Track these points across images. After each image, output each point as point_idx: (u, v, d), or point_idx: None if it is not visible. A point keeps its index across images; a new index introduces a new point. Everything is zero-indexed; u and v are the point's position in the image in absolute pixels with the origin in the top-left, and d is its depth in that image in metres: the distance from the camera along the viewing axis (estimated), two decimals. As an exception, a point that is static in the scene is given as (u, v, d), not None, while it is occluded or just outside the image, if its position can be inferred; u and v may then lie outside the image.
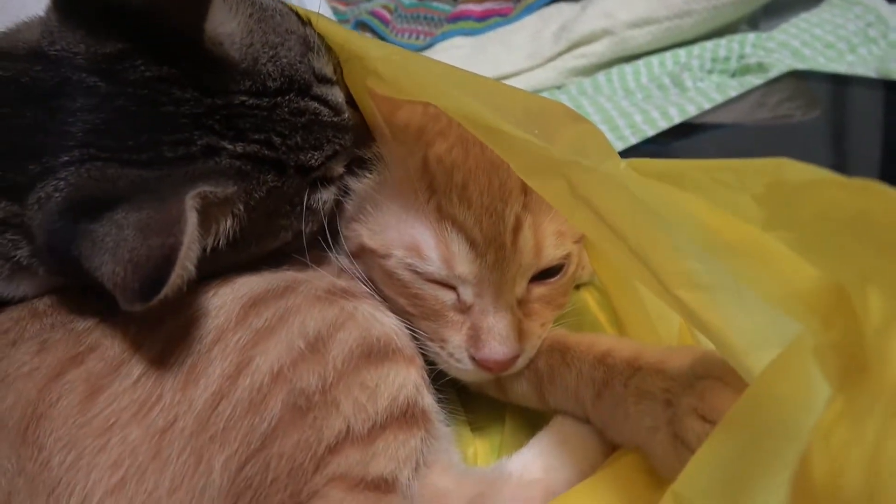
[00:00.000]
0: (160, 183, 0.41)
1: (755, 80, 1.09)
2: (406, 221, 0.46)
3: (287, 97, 0.45)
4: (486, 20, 1.36)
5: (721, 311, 0.30)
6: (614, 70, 1.24)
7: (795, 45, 1.14)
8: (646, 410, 0.37)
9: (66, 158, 0.41)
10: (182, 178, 0.41)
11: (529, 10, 1.35)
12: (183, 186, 0.39)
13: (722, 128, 1.07)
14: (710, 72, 1.18)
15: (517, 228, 0.45)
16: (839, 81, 1.08)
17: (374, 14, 1.37)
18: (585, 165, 0.33)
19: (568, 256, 0.48)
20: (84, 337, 0.39)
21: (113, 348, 0.38)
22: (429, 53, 1.34)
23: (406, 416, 0.39)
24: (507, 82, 1.27)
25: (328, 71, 0.49)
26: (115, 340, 0.38)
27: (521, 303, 0.47)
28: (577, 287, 0.61)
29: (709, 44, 1.22)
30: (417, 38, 1.36)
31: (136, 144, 0.42)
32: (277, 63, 0.45)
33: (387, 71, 0.44)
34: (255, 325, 0.39)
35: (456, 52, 1.33)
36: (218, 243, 0.43)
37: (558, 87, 1.25)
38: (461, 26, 1.35)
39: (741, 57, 1.18)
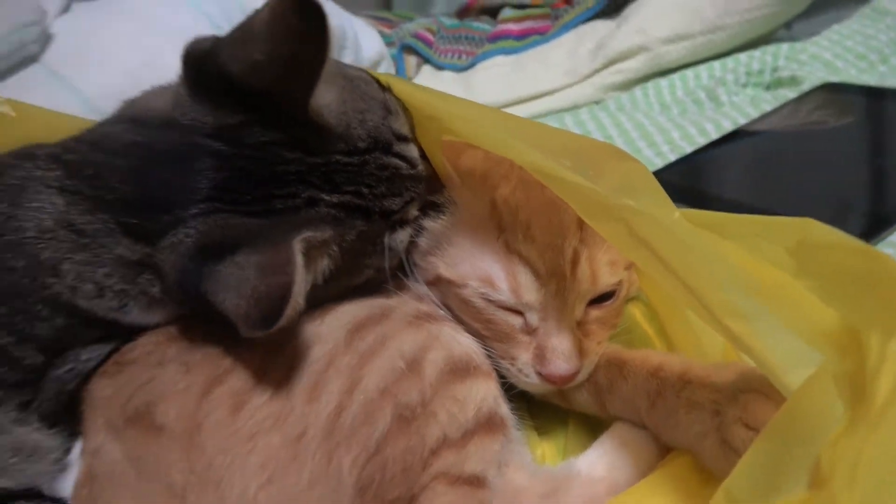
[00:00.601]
0: (272, 230, 0.48)
1: (789, 94, 1.13)
2: (478, 256, 0.53)
3: (373, 155, 0.53)
4: (524, 38, 1.42)
5: (761, 338, 0.36)
6: (650, 84, 1.29)
7: (827, 58, 1.18)
8: (696, 419, 0.44)
9: (194, 210, 0.49)
10: (290, 226, 0.48)
11: (566, 28, 1.41)
12: (290, 233, 0.46)
13: (757, 135, 1.12)
14: (745, 85, 1.22)
15: (575, 261, 0.52)
16: (871, 92, 1.11)
17: (417, 37, 1.45)
18: (642, 211, 0.39)
19: (620, 283, 0.54)
20: (220, 360, 0.47)
21: (246, 370, 0.46)
22: (470, 72, 1.42)
23: (489, 423, 0.47)
24: (547, 99, 1.34)
25: (405, 130, 0.57)
26: (246, 363, 0.46)
27: (580, 324, 0.54)
28: (626, 301, 0.67)
29: (742, 57, 1.27)
30: (460, 57, 1.43)
31: (253, 198, 0.49)
32: (364, 126, 0.53)
33: (462, 128, 0.51)
34: (360, 349, 0.47)
35: (497, 70, 1.40)
36: (317, 280, 0.50)
37: (596, 103, 1.31)
38: (501, 45, 1.42)
39: (774, 70, 1.22)
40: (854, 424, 0.22)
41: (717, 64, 1.28)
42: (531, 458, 0.53)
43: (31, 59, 0.88)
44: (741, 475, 0.32)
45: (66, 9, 0.97)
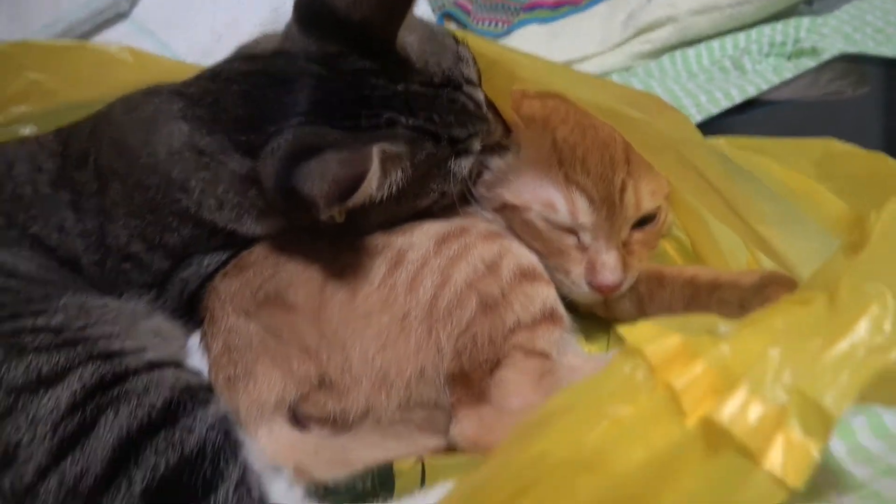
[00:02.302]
0: (356, 139, 0.56)
1: (809, 63, 1.21)
2: (541, 185, 0.63)
3: (446, 90, 0.62)
4: (558, 9, 1.50)
5: (784, 240, 0.46)
6: (678, 53, 1.36)
7: (847, 31, 1.25)
8: (725, 313, 0.53)
9: (294, 121, 0.58)
10: (370, 138, 0.56)
11: (599, -1, 1.48)
12: (371, 142, 0.54)
13: (777, 104, 1.19)
14: (768, 55, 1.30)
15: (623, 189, 0.61)
16: (887, 63, 1.19)
17: (457, 4, 1.53)
18: (695, 140, 0.48)
19: (659, 209, 0.64)
20: (332, 261, 0.57)
21: (355, 267, 0.56)
22: (506, 40, 1.49)
23: (552, 316, 0.56)
24: (579, 66, 1.41)
25: (474, 77, 0.65)
26: (354, 263, 0.56)
27: (625, 244, 0.63)
28: (661, 237, 0.77)
29: (766, 28, 1.34)
30: (496, 25, 1.51)
31: (343, 115, 0.58)
32: (440, 66, 0.62)
33: (532, 77, 0.60)
34: (448, 254, 0.57)
35: (532, 37, 1.48)
36: (391, 191, 0.58)
37: (626, 70, 1.39)
38: (536, 15, 1.49)
39: (796, 41, 1.29)
40: (851, 263, 0.31)
41: (741, 35, 1.35)
42: (584, 350, 0.63)
43: (121, 16, 0.97)
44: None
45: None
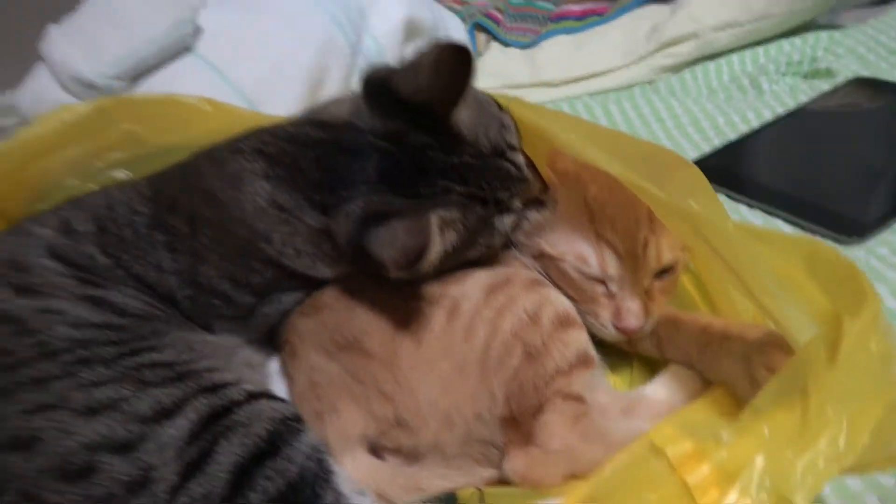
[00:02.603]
0: (418, 207, 0.66)
1: (823, 85, 1.28)
2: (574, 240, 0.72)
3: (492, 159, 0.71)
4: (584, 19, 1.56)
5: (783, 311, 0.55)
6: (699, 68, 1.43)
7: (862, 52, 1.32)
8: (733, 363, 0.63)
9: (363, 188, 0.68)
10: (430, 205, 0.66)
11: (624, 10, 1.54)
12: (430, 210, 0.64)
13: (793, 114, 1.26)
14: (785, 74, 1.36)
15: (646, 245, 0.70)
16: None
17: (487, 15, 1.59)
18: (706, 218, 0.57)
19: (677, 260, 0.73)
20: (398, 309, 0.67)
21: (419, 316, 0.66)
22: (535, 50, 1.56)
23: (585, 360, 0.66)
24: (604, 78, 1.49)
25: (515, 142, 0.74)
26: (417, 312, 0.66)
27: (647, 292, 0.72)
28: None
29: (785, 45, 1.40)
30: (525, 35, 1.58)
31: (405, 184, 0.68)
32: (487, 137, 0.71)
33: (564, 144, 0.69)
34: (496, 305, 0.66)
35: (559, 48, 1.54)
36: (446, 250, 0.68)
37: (649, 83, 1.46)
38: (563, 25, 1.56)
39: (813, 60, 1.36)
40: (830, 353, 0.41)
41: (760, 50, 1.42)
42: (611, 385, 0.73)
43: (185, 50, 1.06)
44: (763, 396, 0.51)
45: (203, 3, 1.14)
